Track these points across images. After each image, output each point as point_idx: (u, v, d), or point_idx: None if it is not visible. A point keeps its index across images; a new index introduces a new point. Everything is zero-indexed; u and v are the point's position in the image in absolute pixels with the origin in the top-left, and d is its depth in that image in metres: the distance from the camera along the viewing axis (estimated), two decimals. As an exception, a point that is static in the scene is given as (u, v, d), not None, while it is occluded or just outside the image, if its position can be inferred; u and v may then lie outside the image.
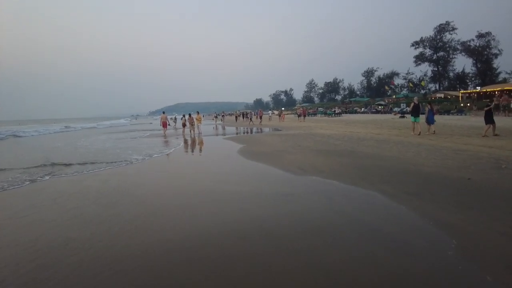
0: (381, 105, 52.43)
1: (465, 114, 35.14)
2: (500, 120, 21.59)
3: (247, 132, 23.30)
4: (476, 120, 21.99)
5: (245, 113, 51.72)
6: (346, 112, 51.71)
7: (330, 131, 18.77)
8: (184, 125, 23.00)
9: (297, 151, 10.72)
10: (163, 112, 25.29)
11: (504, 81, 63.35)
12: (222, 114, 56.70)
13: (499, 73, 69.08)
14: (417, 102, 15.06)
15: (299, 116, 34.57)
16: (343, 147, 11.25)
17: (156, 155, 11.60)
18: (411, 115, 14.92)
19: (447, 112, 39.11)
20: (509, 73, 60.49)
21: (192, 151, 13.77)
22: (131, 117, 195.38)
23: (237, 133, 22.11)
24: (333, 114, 43.57)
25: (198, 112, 23.80)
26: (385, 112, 46.99)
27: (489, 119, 12.98)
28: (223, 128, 29.47)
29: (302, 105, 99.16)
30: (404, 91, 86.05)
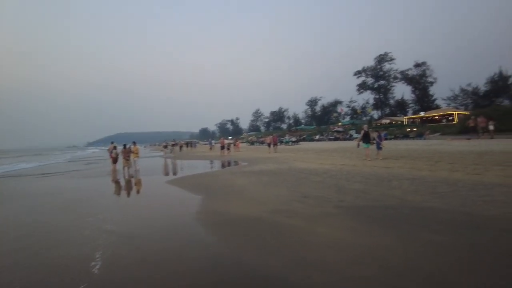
0: (338, 131, 51.17)
1: (424, 139, 34.34)
2: (473, 143, 19.73)
3: (206, 168, 18.17)
4: (453, 143, 19.87)
5: (188, 142, 46.76)
6: (302, 140, 49.31)
7: (313, 164, 14.53)
8: (115, 160, 17.17)
9: (318, 215, 5.73)
10: (112, 143, 19.33)
11: (437, 107, 67.86)
12: (173, 143, 40.37)
13: (435, 99, 74.04)
14: (366, 129, 15.56)
15: (268, 145, 27.00)
16: (378, 195, 6.98)
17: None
18: (363, 142, 15.20)
19: (406, 136, 38.39)
20: (444, 99, 64.64)
21: (112, 211, 7.95)
22: (67, 148, 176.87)
23: (192, 170, 16.91)
24: (290, 143, 40.48)
25: (134, 143, 18.20)
26: (344, 139, 45.24)
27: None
28: (172, 163, 22.76)
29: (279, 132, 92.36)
30: (347, 119, 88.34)
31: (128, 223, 6.12)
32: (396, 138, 38.76)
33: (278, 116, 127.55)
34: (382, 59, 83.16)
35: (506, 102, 50.34)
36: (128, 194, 10.40)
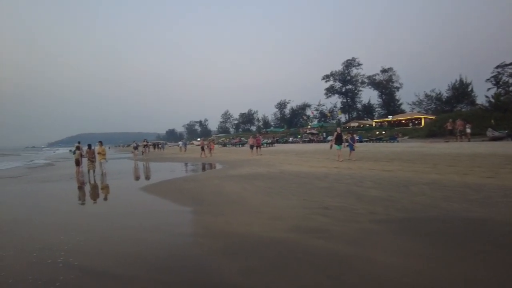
0: (312, 134, 50.83)
1: (397, 141, 34.78)
2: (454, 146, 19.81)
3: (184, 171, 16.49)
4: (434, 146, 19.77)
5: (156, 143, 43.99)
6: (276, 142, 48.39)
7: (303, 167, 13.36)
8: (78, 162, 15.01)
9: (356, 233, 4.47)
10: (79, 143, 17.07)
11: (402, 111, 70.50)
12: (145, 143, 33.63)
13: (401, 104, 76.86)
14: (339, 132, 15.90)
15: (251, 146, 23.88)
16: (406, 203, 5.90)
17: None
18: (335, 144, 15.51)
19: (379, 139, 38.73)
20: (410, 104, 67.00)
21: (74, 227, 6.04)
22: (26, 149, 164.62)
23: (168, 174, 15.14)
24: (265, 144, 39.38)
25: (100, 143, 16.14)
26: (318, 141, 44.84)
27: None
28: (145, 166, 20.38)
29: (270, 130, 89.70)
30: (315, 122, 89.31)
31: (97, 252, 4.32)
32: (370, 140, 38.94)
33: (247, 118, 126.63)
34: (349, 64, 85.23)
35: (467, 108, 52.94)
36: (95, 206, 8.58)
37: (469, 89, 53.72)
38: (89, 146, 15.67)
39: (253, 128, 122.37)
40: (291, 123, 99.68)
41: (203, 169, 16.88)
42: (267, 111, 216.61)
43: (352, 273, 3.22)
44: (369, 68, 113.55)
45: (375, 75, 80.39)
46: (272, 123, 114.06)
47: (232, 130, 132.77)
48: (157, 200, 8.17)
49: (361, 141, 35.56)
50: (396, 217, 5.17)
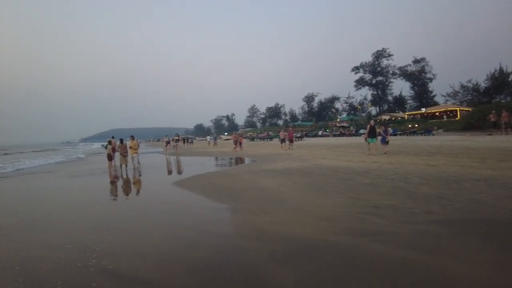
0: (344, 127, 49.23)
1: (433, 134, 32.87)
2: (500, 139, 18.08)
3: (215, 166, 16.21)
4: (476, 139, 18.18)
5: (185, 138, 44.16)
6: (305, 136, 47.37)
7: (338, 161, 12.64)
8: (110, 157, 15.10)
9: (423, 237, 3.86)
10: (113, 137, 17.16)
11: (435, 103, 66.66)
12: (176, 138, 28.99)
13: (434, 95, 72.91)
14: (373, 124, 15.66)
15: (282, 140, 22.53)
16: (465, 202, 5.19)
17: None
18: (368, 137, 15.28)
19: (413, 132, 36.87)
20: (444, 95, 63.43)
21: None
22: (62, 144, 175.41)
23: (202, 166, 14.92)
24: (294, 138, 38.65)
25: (132, 137, 16.18)
26: (350, 135, 43.34)
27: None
28: (176, 160, 19.92)
29: (297, 123, 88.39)
30: (344, 115, 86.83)
31: (132, 255, 3.89)
32: (404, 134, 37.19)
33: (274, 112, 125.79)
34: (379, 55, 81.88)
35: (507, 99, 49.25)
36: (127, 201, 8.38)
37: (510, 79, 49.95)
38: (121, 140, 15.74)
39: (280, 122, 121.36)
40: (319, 116, 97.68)
41: (235, 163, 16.50)
42: (294, 105, 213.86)
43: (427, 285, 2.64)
44: (400, 59, 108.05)
45: (406, 66, 76.69)
46: (299, 117, 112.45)
47: (258, 125, 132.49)
48: (192, 196, 7.80)
49: (395, 134, 34.34)
50: (457, 218, 4.53)
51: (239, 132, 43.12)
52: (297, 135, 41.55)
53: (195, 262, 3.53)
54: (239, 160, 17.61)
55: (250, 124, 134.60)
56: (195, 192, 8.13)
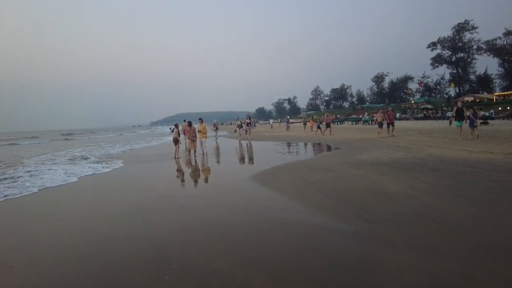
0: (427, 109, 43.13)
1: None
2: None
3: (298, 154, 13.43)
4: None
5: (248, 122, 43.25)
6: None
7: (453, 151, 9.49)
8: (176, 141, 13.65)
9: None
10: (184, 121, 16.59)
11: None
12: (248, 121, 26.17)
13: (530, 73, 60.33)
14: (460, 106, 14.20)
15: (380, 124, 18.26)
16: None
17: None
18: (455, 120, 14.00)
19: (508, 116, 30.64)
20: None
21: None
22: (132, 127, 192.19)
23: (279, 153, 12.80)
24: (370, 121, 34.65)
25: (201, 121, 14.52)
26: (435, 118, 37.63)
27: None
28: (248, 145, 18.03)
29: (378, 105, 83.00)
30: (418, 96, 77.63)
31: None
32: (503, 117, 31.24)
33: (339, 93, 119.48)
34: (461, 28, 70.51)
35: None
36: (196, 200, 6.48)
37: None
38: (190, 123, 14.28)
39: (346, 104, 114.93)
40: (391, 97, 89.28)
41: (319, 151, 13.82)
42: (362, 85, 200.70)
43: None
44: (487, 31, 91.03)
45: (495, 39, 64.21)
46: (367, 98, 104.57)
47: (322, 107, 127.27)
48: (280, 201, 5.36)
49: (492, 118, 30.58)
50: None
51: (327, 113, 39.32)
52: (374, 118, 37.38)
53: None
54: (324, 147, 14.85)
55: (313, 107, 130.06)
56: (287, 196, 5.67)
